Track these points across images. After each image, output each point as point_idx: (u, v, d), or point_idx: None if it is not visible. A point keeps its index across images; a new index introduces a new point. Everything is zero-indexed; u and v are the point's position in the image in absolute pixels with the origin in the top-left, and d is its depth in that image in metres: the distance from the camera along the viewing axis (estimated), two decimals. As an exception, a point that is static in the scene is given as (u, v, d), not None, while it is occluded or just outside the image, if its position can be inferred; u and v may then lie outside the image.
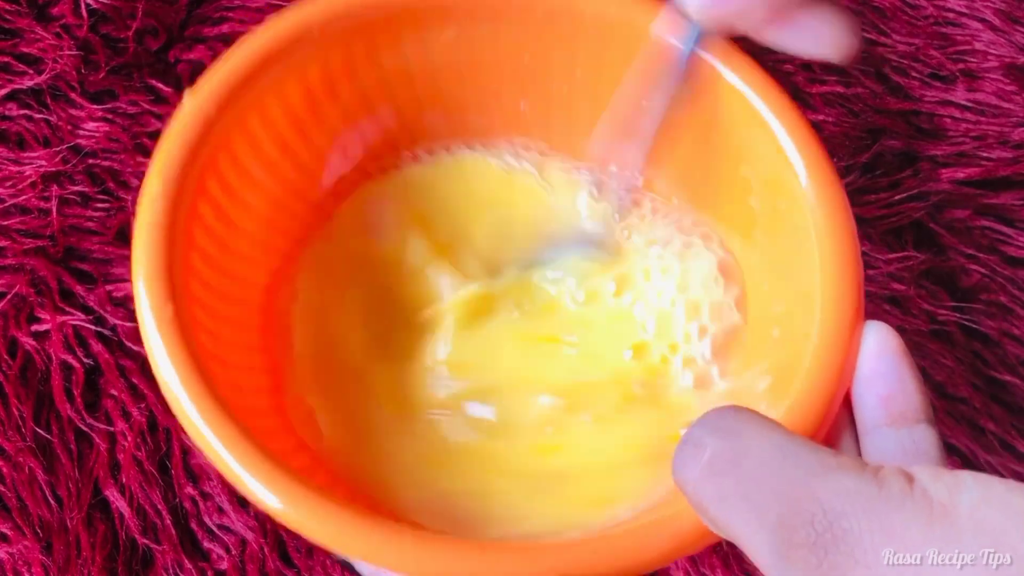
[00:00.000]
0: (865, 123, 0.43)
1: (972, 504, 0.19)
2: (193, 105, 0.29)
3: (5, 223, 0.39)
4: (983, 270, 0.40)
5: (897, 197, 0.41)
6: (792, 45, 0.28)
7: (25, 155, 0.40)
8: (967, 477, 0.19)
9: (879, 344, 0.27)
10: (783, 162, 0.29)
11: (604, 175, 0.34)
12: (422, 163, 0.36)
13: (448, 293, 0.33)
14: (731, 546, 0.21)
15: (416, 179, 0.35)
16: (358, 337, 0.33)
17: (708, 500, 0.21)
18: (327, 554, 0.35)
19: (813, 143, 0.29)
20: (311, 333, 0.33)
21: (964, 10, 0.45)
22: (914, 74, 0.44)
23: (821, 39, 0.27)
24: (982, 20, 0.44)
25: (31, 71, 0.41)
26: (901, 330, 0.38)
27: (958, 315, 0.39)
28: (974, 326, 0.39)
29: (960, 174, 0.42)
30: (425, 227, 0.35)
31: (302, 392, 0.32)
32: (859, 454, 0.26)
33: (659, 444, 0.31)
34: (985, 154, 0.42)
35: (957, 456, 0.37)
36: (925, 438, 0.25)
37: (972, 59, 0.44)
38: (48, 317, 0.37)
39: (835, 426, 0.27)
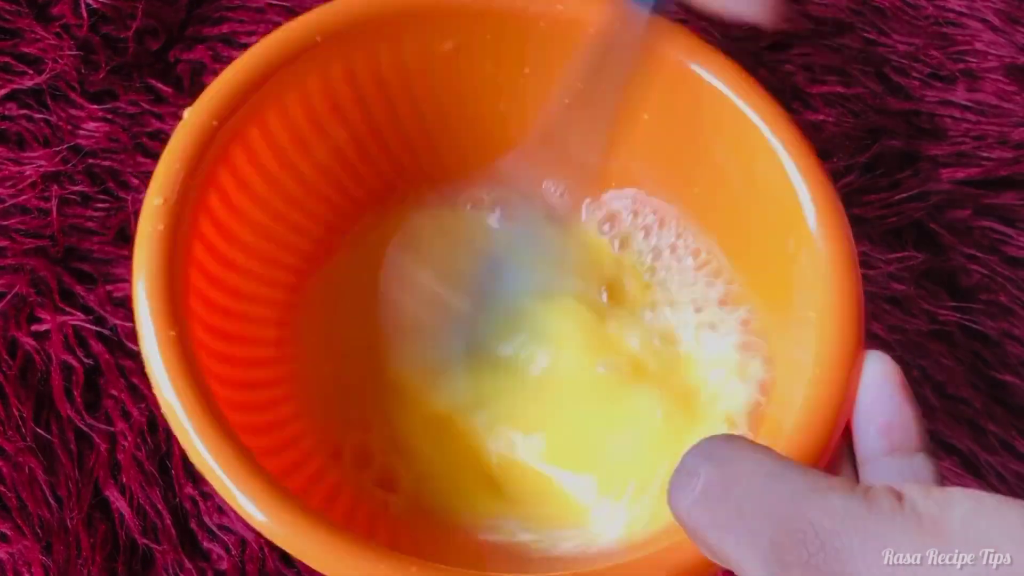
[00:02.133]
0: (865, 123, 0.42)
1: (963, 517, 0.19)
2: (192, 119, 0.29)
3: (5, 223, 0.39)
4: (983, 270, 0.40)
5: (897, 197, 0.41)
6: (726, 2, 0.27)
7: (25, 155, 0.40)
8: (957, 493, 0.19)
9: (880, 375, 0.27)
10: (789, 191, 0.29)
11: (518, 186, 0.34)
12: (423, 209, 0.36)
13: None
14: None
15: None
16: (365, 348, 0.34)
17: (703, 527, 0.21)
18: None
19: (814, 164, 0.29)
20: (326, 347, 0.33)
21: (964, 10, 0.45)
22: (914, 74, 0.44)
23: None
24: (982, 20, 0.44)
25: (31, 71, 0.41)
26: (901, 330, 0.39)
27: (958, 315, 0.39)
28: (974, 326, 0.39)
29: (960, 174, 0.42)
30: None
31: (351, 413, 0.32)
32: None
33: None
34: (985, 154, 0.42)
35: (957, 456, 0.37)
36: (923, 466, 0.25)
37: (972, 59, 0.44)
38: (48, 317, 0.37)
39: (834, 456, 0.27)
